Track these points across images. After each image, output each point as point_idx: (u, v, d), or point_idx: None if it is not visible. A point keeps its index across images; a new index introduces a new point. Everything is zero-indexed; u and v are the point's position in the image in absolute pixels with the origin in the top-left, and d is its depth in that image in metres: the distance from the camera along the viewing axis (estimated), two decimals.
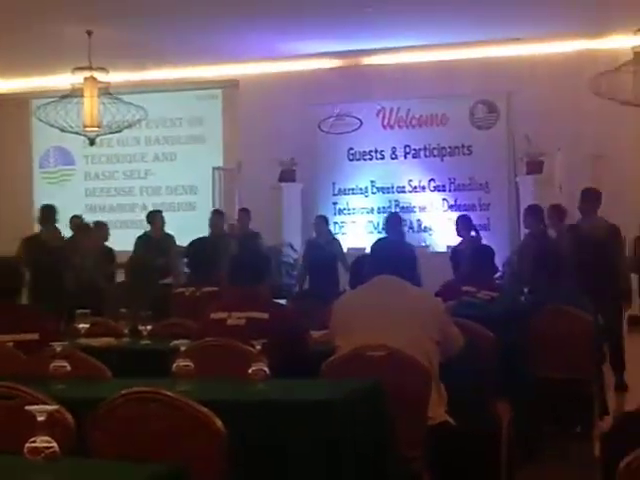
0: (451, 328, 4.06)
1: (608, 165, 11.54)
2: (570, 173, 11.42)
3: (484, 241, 9.16)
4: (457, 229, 9.58)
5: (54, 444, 2.23)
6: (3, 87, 14.14)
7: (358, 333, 3.91)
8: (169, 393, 2.92)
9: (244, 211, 10.88)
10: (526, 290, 6.85)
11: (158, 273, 9.26)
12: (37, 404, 2.42)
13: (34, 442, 2.22)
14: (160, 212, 10.27)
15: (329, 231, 10.92)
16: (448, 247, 11.43)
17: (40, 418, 2.22)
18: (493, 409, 4.54)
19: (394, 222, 9.58)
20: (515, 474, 4.74)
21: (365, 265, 4.36)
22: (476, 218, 11.55)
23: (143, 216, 10.55)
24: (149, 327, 5.07)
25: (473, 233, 9.50)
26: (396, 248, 4.25)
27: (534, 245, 7.94)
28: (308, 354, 4.26)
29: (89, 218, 10.93)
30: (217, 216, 10.20)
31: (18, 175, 14.45)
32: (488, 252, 6.81)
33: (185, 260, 9.78)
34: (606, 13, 10.58)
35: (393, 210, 12.23)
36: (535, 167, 11.50)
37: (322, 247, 10.39)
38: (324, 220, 10.88)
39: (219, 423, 2.83)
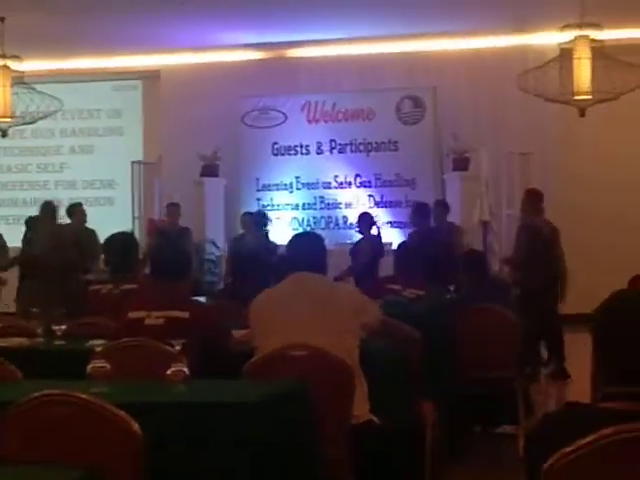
0: (370, 316, 4.09)
1: (534, 162, 11.75)
2: (496, 170, 11.60)
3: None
4: (358, 226, 9.78)
5: None
6: None
7: (278, 333, 3.91)
8: (83, 396, 2.88)
9: (174, 206, 10.83)
10: (452, 288, 6.94)
11: (73, 269, 9.11)
12: None
13: None
14: (81, 205, 10.15)
15: (264, 228, 10.88)
16: None
17: None
18: (418, 409, 4.58)
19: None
20: (440, 474, 4.79)
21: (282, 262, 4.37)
22: (402, 215, 11.68)
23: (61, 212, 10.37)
24: (63, 327, 4.98)
25: (374, 231, 9.67)
26: (309, 243, 4.26)
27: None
28: (230, 354, 4.23)
29: (0, 213, 10.70)
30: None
31: None
32: (414, 250, 6.87)
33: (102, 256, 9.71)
34: (533, 9, 10.77)
35: (318, 206, 12.28)
36: (461, 164, 11.63)
37: (248, 244, 10.40)
38: (250, 216, 10.85)
39: (135, 426, 2.80)
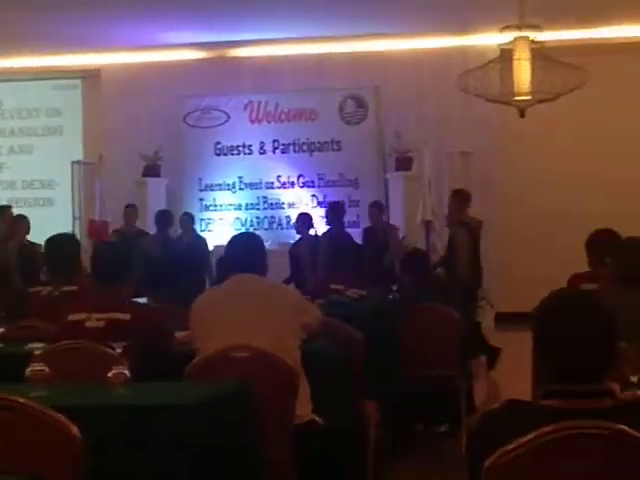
0: (310, 317, 4.09)
1: (474, 161, 11.86)
2: (439, 169, 11.69)
3: (354, 238, 9.28)
4: (296, 227, 9.84)
5: None
6: None
7: (219, 334, 3.91)
8: (21, 399, 2.84)
9: (131, 207, 10.77)
10: (395, 288, 6.98)
11: (10, 271, 9.00)
12: None
13: None
14: (10, 207, 10.04)
15: (194, 229, 10.90)
16: None
17: None
18: (361, 408, 4.59)
19: (339, 212, 9.66)
20: (383, 473, 4.81)
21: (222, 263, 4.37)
22: (346, 215, 11.70)
23: None
24: (1, 329, 4.91)
25: (313, 231, 9.72)
26: (249, 243, 4.26)
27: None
28: (172, 356, 4.20)
29: None
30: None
31: None
32: (356, 250, 6.90)
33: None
34: (474, 11, 10.87)
35: (261, 206, 12.26)
36: (404, 163, 11.70)
37: (188, 245, 10.36)
38: (190, 218, 10.86)
39: (75, 430, 2.77)
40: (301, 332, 4.00)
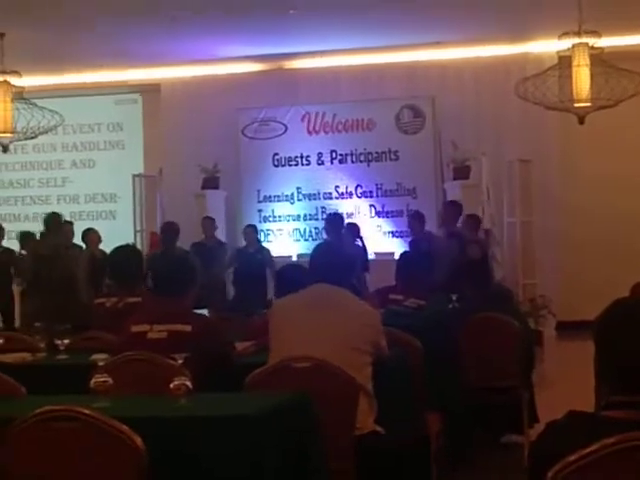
0: (383, 341, 4.08)
1: (533, 169, 11.75)
2: (497, 177, 11.61)
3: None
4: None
5: None
6: None
7: (289, 342, 3.93)
8: (86, 411, 2.88)
9: (209, 219, 10.91)
10: (454, 297, 6.92)
11: (76, 283, 9.13)
12: None
13: None
14: (70, 223, 10.26)
15: (258, 240, 11.00)
16: (376, 254, 11.51)
17: None
18: (422, 419, 4.57)
19: (336, 223, 9.67)
20: None
21: (298, 272, 4.36)
22: (404, 224, 11.67)
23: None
24: (66, 341, 4.97)
25: (359, 242, 9.74)
26: (335, 254, 4.25)
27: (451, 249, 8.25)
28: (232, 367, 4.23)
29: None
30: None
31: None
32: (415, 260, 6.87)
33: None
34: (531, 18, 10.79)
35: (320, 217, 12.28)
36: (462, 172, 11.64)
37: (252, 256, 10.47)
38: (254, 229, 10.98)
39: (139, 441, 2.80)
40: (374, 351, 3.97)
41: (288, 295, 4.25)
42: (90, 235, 10.15)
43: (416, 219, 9.78)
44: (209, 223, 10.91)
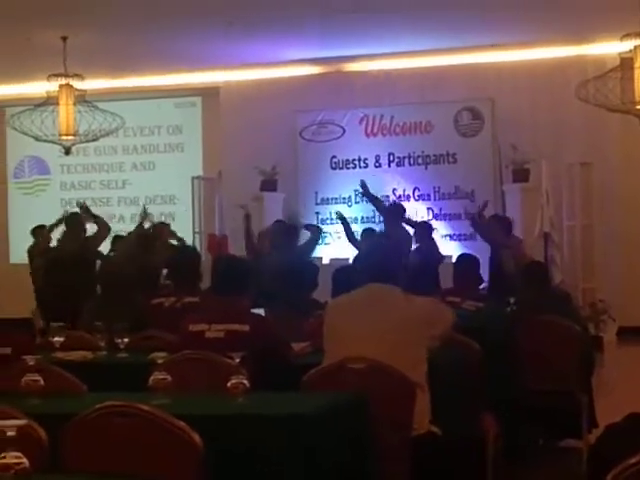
0: (440, 328, 4.06)
1: (594, 172, 11.60)
2: (557, 181, 11.48)
3: (470, 251, 9.19)
4: (415, 236, 9.74)
5: (25, 460, 2.21)
6: None
7: (343, 342, 3.93)
8: (144, 407, 2.91)
9: (279, 222, 10.79)
10: (513, 300, 6.86)
11: (136, 284, 9.22)
12: (7, 419, 2.40)
13: (4, 458, 2.20)
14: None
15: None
16: None
17: (10, 433, 2.20)
18: (479, 421, 4.54)
19: (396, 213, 9.66)
20: None
21: (354, 271, 4.37)
22: (462, 227, 11.61)
23: (121, 227, 10.53)
24: (126, 340, 5.04)
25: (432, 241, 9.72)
26: (385, 252, 4.24)
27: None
28: (289, 367, 4.25)
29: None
30: None
31: None
32: (473, 262, 6.83)
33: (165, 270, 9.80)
34: (592, 19, 10.65)
35: (377, 219, 12.24)
36: (521, 175, 11.54)
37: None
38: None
39: (196, 437, 2.82)
40: (430, 343, 3.97)
41: (341, 295, 4.25)
42: (161, 229, 10.25)
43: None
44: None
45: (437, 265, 9.25)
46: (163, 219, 13.52)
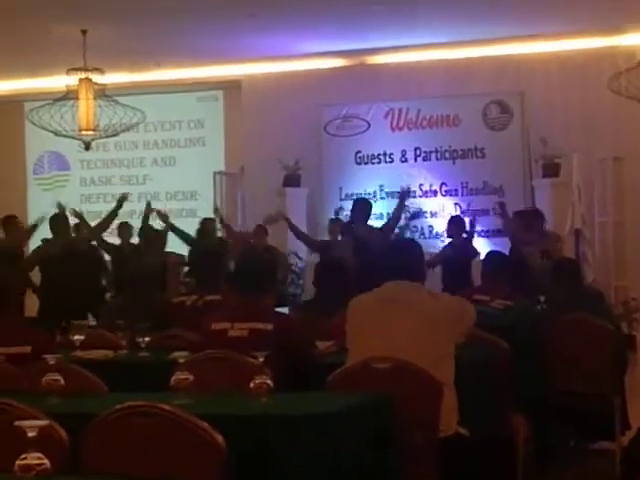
0: (465, 325, 4.06)
1: (626, 167, 11.52)
2: (587, 176, 11.41)
3: (499, 248, 9.16)
4: (448, 230, 9.73)
5: (46, 461, 2.23)
6: None
7: (367, 341, 3.94)
8: (166, 407, 2.92)
9: (260, 228, 10.91)
10: (543, 299, 6.83)
11: (158, 281, 9.27)
12: (28, 419, 2.42)
13: (25, 459, 2.22)
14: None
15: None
16: None
17: (31, 434, 2.22)
18: (509, 422, 4.53)
19: (362, 208, 9.64)
20: None
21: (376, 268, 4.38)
22: (490, 223, 11.57)
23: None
24: (147, 339, 5.07)
25: (465, 236, 9.66)
26: (407, 250, 4.24)
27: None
28: (313, 366, 4.25)
29: None
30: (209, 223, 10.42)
31: (11, 181, 14.45)
32: (502, 259, 6.80)
33: (186, 268, 9.86)
34: (625, 9, 10.56)
35: (403, 215, 12.22)
36: (551, 170, 11.48)
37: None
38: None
39: (219, 438, 2.83)
40: (457, 340, 3.97)
41: (364, 293, 4.25)
42: (208, 224, 10.37)
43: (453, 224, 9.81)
44: (259, 231, 10.85)
45: (470, 261, 9.23)
46: (184, 215, 13.61)
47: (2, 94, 14.13)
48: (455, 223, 9.79)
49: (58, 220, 9.32)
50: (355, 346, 4.02)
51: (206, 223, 10.61)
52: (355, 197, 12.33)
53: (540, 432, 4.95)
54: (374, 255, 8.07)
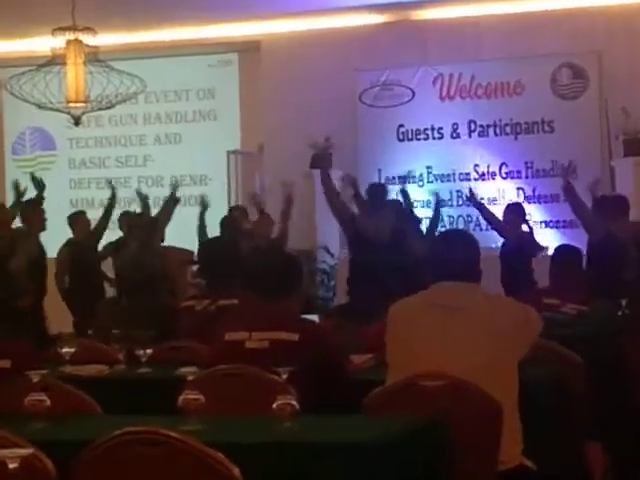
0: (531, 334, 4.06)
1: None
2: None
3: (571, 241, 9.14)
4: (505, 221, 9.69)
5: None
6: None
7: (412, 354, 3.94)
8: (173, 434, 2.94)
9: (265, 216, 10.96)
10: (624, 303, 6.81)
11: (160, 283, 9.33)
12: (8, 447, 2.44)
13: None
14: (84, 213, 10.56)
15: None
16: None
17: (12, 465, 2.24)
18: (583, 452, 4.52)
19: (381, 195, 9.63)
20: None
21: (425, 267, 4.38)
22: (561, 212, 11.53)
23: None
24: (149, 351, 5.10)
25: (525, 227, 9.63)
26: (459, 245, 4.23)
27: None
28: (347, 384, 4.26)
29: None
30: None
31: None
32: (575, 255, 6.79)
33: (195, 267, 9.90)
34: None
35: (455, 202, 12.23)
36: (635, 147, 11.44)
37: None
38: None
39: (236, 471, 2.85)
40: (520, 354, 3.97)
41: (408, 297, 4.25)
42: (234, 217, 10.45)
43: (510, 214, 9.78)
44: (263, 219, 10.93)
45: (531, 258, 9.21)
46: (192, 203, 13.66)
47: None
48: (512, 212, 9.76)
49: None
50: (397, 360, 4.03)
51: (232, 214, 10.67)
52: (398, 180, 12.34)
53: (621, 465, 4.94)
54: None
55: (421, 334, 4.00)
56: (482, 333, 3.93)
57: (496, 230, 9.77)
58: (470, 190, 10.44)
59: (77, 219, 10.45)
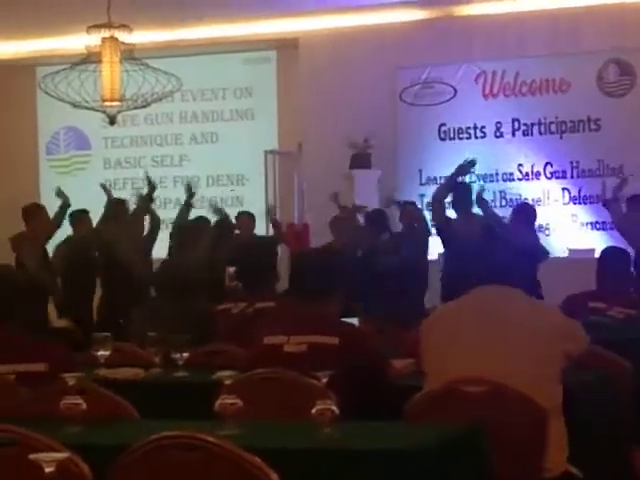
0: (577, 345, 4.04)
1: None
2: None
3: (618, 243, 9.09)
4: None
5: None
6: (1, 51, 14.34)
7: (452, 361, 3.93)
8: (210, 438, 2.96)
9: (247, 215, 11.05)
10: None
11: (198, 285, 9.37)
12: (44, 451, 2.46)
13: None
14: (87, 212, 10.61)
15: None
16: (570, 251, 11.32)
17: (48, 469, 2.27)
18: (630, 458, 4.50)
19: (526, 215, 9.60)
20: None
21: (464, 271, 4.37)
22: (607, 212, 11.45)
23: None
24: (186, 355, 5.11)
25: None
26: (504, 247, 4.23)
27: None
28: (388, 389, 4.26)
29: None
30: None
31: (20, 163, 14.65)
32: (622, 257, 6.75)
33: (232, 269, 9.92)
34: None
35: (498, 203, 12.18)
36: None
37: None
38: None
39: (274, 476, 2.85)
40: (563, 361, 3.95)
41: (447, 303, 4.24)
42: (243, 219, 10.48)
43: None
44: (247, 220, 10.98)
45: (536, 263, 9.11)
46: (229, 204, 13.70)
47: (10, 57, 14.30)
48: (520, 212, 9.71)
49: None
50: (435, 368, 4.00)
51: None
52: (438, 180, 12.32)
53: None
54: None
55: (459, 339, 4.00)
56: (525, 339, 3.92)
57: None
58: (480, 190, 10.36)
59: (80, 218, 10.53)
